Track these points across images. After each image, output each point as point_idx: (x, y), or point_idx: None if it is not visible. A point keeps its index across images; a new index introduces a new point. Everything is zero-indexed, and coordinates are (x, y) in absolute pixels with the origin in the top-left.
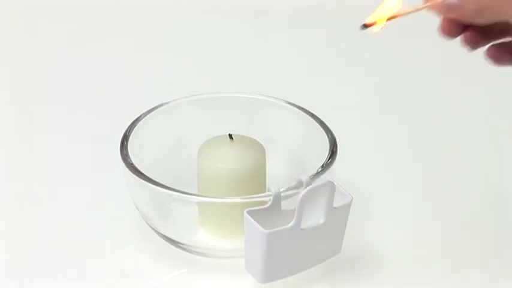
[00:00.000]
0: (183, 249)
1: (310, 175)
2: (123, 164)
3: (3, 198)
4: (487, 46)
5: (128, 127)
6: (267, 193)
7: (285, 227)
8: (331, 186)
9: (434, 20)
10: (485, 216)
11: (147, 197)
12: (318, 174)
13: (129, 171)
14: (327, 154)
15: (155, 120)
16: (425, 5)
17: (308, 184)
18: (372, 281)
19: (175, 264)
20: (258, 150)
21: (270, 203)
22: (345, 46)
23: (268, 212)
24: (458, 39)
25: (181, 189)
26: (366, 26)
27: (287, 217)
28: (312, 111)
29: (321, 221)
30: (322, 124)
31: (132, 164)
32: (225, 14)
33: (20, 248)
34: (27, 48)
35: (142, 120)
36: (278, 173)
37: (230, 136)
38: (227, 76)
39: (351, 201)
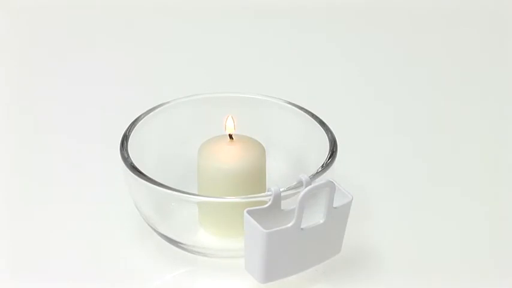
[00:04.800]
0: (183, 249)
1: (310, 175)
2: (123, 164)
3: (3, 199)
4: None
5: (128, 127)
6: (267, 193)
7: (285, 226)
8: (331, 185)
9: (434, 20)
10: (486, 215)
11: (147, 197)
12: (318, 174)
13: (129, 171)
14: (327, 154)
15: (155, 120)
16: None
17: (308, 184)
18: (372, 281)
19: (175, 264)
20: (258, 150)
21: (270, 202)
22: (345, 46)
23: (268, 212)
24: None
25: (181, 189)
26: None
27: (287, 217)
28: (312, 111)
29: (321, 221)
30: (322, 124)
31: (132, 164)
32: (224, 13)
33: (20, 248)
34: (28, 48)
35: (142, 120)
36: (278, 173)
37: (230, 136)
38: (227, 76)
39: (351, 200)
